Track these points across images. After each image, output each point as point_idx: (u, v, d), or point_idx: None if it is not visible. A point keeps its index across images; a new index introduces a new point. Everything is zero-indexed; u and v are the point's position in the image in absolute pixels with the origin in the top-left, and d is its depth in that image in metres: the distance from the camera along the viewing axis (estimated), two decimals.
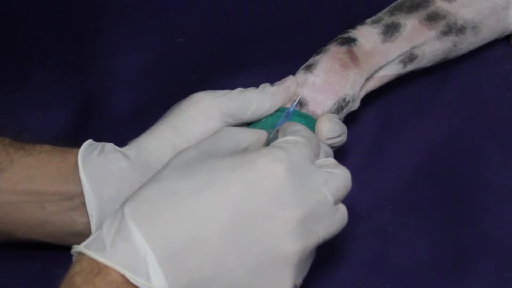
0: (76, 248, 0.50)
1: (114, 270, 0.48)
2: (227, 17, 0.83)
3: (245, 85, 0.75)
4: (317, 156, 0.55)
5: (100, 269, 0.48)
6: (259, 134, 0.57)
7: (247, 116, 0.62)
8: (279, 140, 0.54)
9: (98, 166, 0.60)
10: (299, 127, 0.56)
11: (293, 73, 0.67)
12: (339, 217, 0.54)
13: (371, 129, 0.71)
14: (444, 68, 0.75)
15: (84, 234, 0.60)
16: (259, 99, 0.62)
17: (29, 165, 0.60)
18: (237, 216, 0.49)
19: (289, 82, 0.64)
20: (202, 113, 0.61)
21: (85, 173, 0.59)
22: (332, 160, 0.55)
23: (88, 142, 0.62)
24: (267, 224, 0.50)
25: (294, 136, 0.54)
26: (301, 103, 0.64)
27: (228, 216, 0.49)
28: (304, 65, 0.67)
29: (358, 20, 0.72)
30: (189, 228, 0.49)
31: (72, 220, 0.60)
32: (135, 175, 0.60)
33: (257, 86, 0.76)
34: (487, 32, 0.73)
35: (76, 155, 0.60)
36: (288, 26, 0.81)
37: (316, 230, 0.52)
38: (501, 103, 0.75)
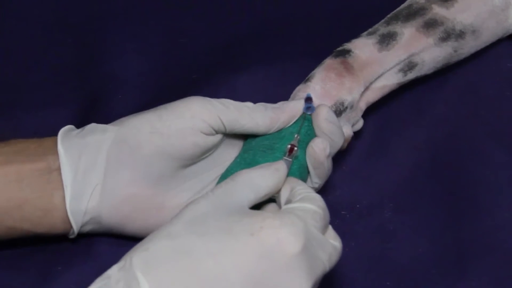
0: None
1: None
2: (227, 17, 0.83)
3: (245, 85, 0.76)
4: (327, 226, 0.54)
5: None
6: (279, 177, 0.55)
7: (237, 130, 0.62)
8: (298, 206, 0.53)
9: (76, 139, 0.61)
10: (316, 195, 0.54)
11: (293, 72, 0.67)
12: None
13: (371, 128, 0.71)
14: None
15: (60, 210, 0.60)
16: (255, 118, 0.61)
17: (6, 152, 0.60)
18: (249, 285, 0.49)
19: (291, 107, 0.63)
20: (191, 111, 0.60)
21: (63, 145, 0.60)
22: (332, 231, 0.55)
23: (70, 126, 0.63)
24: None
25: (312, 205, 0.53)
26: None
27: (241, 286, 0.48)
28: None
29: (358, 19, 0.72)
30: None
31: (49, 196, 0.60)
32: (112, 147, 0.60)
33: (257, 85, 0.76)
34: (488, 35, 0.73)
35: (55, 139, 0.61)
36: (288, 26, 0.81)
37: None
38: (501, 101, 0.74)
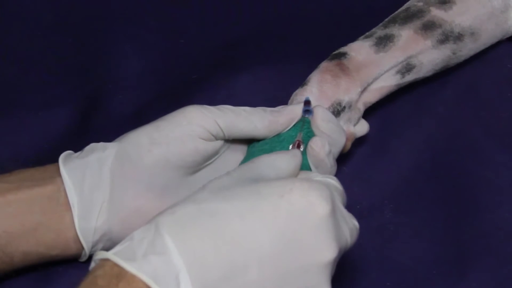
0: (102, 255, 0.49)
1: (140, 281, 0.47)
2: (227, 17, 0.83)
3: (245, 85, 0.76)
4: (345, 206, 0.55)
5: (123, 276, 0.47)
6: (297, 163, 0.55)
7: (236, 135, 0.62)
8: (321, 179, 0.54)
9: (77, 160, 0.61)
10: (334, 177, 0.55)
11: (293, 73, 0.67)
12: None
13: (371, 129, 0.71)
14: None
15: (72, 230, 0.60)
16: (253, 121, 0.62)
17: (13, 181, 0.61)
18: (280, 247, 0.48)
19: (290, 109, 0.63)
20: (187, 118, 0.60)
21: (65, 167, 0.60)
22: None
23: (69, 151, 0.63)
24: (306, 261, 0.49)
25: (334, 181, 0.54)
26: None
27: (270, 246, 0.48)
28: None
29: (359, 21, 0.72)
30: (228, 253, 0.48)
31: (61, 217, 0.60)
32: (114, 163, 0.60)
33: (257, 86, 0.76)
34: (487, 37, 0.73)
35: (57, 164, 0.61)
36: (288, 26, 0.81)
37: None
38: (502, 103, 0.74)
